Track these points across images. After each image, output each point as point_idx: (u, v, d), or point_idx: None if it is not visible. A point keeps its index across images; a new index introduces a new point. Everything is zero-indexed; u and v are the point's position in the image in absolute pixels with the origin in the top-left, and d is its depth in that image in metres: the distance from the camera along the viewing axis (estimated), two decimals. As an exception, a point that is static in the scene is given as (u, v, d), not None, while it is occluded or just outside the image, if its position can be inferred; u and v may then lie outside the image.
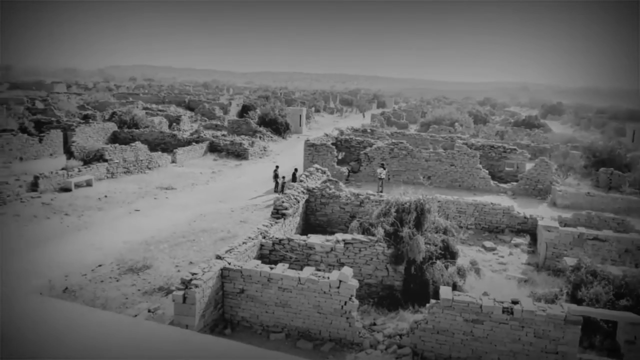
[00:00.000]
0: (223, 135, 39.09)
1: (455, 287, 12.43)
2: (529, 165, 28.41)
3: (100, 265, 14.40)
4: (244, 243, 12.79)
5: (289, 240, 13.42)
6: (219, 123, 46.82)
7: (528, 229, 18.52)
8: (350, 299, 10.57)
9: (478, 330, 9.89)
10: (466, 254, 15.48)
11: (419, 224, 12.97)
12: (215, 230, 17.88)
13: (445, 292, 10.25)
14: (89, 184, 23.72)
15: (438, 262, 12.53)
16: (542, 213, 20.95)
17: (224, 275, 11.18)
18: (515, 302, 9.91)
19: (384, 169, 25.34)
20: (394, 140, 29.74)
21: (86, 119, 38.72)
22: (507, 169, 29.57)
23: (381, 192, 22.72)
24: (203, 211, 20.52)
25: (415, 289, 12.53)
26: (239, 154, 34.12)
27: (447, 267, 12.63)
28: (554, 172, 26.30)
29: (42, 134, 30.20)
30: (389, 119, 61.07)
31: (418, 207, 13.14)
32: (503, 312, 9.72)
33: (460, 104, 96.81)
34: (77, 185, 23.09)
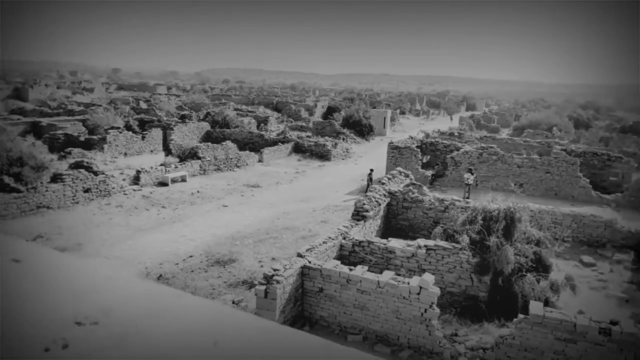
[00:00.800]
0: (307, 136, 39.88)
1: (547, 302, 11.60)
2: (635, 175, 25.83)
3: (191, 256, 15.31)
4: (324, 243, 12.93)
5: (369, 242, 13.35)
6: (304, 124, 47.86)
7: (633, 245, 16.81)
8: (430, 306, 10.27)
9: (571, 350, 9.14)
10: (561, 268, 14.39)
11: (508, 234, 12.28)
12: (297, 228, 18.28)
13: (535, 307, 9.60)
14: (183, 179, 25.38)
15: (528, 275, 11.78)
16: (652, 228, 18.89)
17: (304, 273, 11.37)
18: (614, 323, 9.03)
19: (472, 174, 24.34)
20: (483, 145, 28.49)
21: (183, 118, 41.44)
22: (611, 178, 27.08)
23: (468, 198, 21.85)
24: (286, 209, 21.07)
25: (501, 301, 11.88)
26: (322, 155, 34.61)
27: (538, 281, 11.83)
28: (667, 183, 23.65)
29: (144, 132, 32.82)
30: (478, 122, 58.75)
31: (507, 216, 12.44)
32: (599, 332, 8.90)
33: (559, 107, 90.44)
34: (173, 181, 24.80)
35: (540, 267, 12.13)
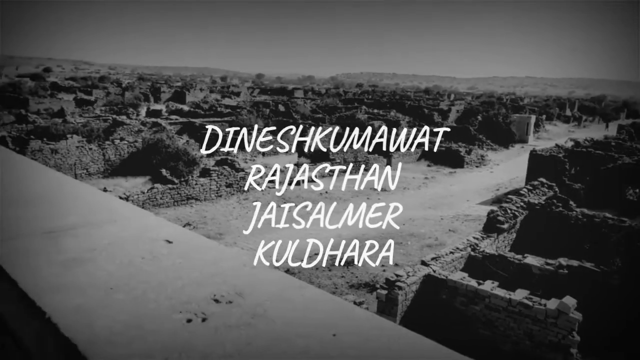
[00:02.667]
0: (441, 141, 38.69)
1: None
2: None
3: (316, 254, 15.87)
4: (451, 253, 12.44)
5: (502, 257, 12.50)
6: (436, 129, 46.54)
7: None
8: (570, 333, 9.27)
9: None
10: None
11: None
12: (422, 235, 17.86)
13: None
14: (314, 180, 26.42)
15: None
16: None
17: (428, 282, 11.06)
18: None
19: (632, 189, 21.40)
20: (645, 157, 24.84)
21: (317, 121, 43.17)
22: None
23: (624, 216, 19.26)
24: (412, 216, 20.70)
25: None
26: (454, 161, 33.30)
27: None
28: None
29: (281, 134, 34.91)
30: (640, 131, 51.36)
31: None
32: None
33: None
34: (304, 181, 25.95)
35: None
